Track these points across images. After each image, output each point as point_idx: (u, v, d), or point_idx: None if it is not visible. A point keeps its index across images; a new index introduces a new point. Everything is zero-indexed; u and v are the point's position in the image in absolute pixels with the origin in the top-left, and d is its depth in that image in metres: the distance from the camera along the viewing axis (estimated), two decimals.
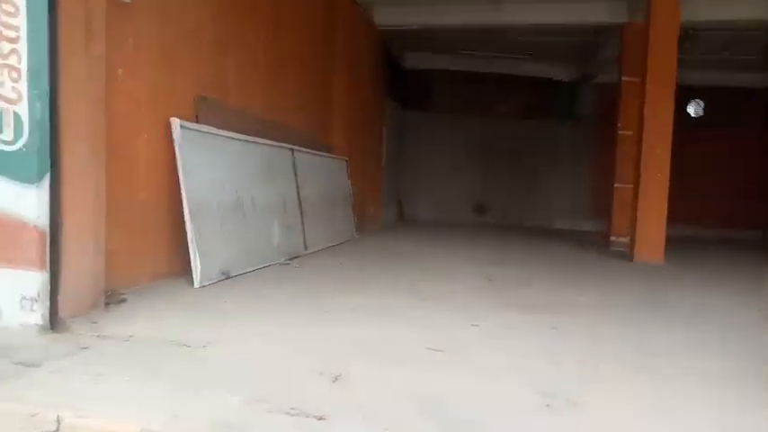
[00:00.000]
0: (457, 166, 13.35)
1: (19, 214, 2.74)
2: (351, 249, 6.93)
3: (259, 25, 5.71)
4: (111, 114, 3.54)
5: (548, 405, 2.25)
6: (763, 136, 12.96)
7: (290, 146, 6.21)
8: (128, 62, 3.80)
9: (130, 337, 2.74)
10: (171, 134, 4.12)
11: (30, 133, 2.76)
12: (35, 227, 2.75)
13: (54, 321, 2.77)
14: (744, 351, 3.20)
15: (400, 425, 1.98)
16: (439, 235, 9.69)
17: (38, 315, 2.72)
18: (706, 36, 9.41)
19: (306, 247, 6.17)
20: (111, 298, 3.29)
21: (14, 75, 2.77)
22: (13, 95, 2.77)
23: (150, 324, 2.99)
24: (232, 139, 4.90)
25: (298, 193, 6.22)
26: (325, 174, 7.31)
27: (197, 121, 4.56)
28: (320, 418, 1.98)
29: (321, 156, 7.29)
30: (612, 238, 9.06)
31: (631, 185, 8.22)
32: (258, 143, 5.40)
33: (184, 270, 4.11)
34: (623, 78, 9.02)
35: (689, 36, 8.70)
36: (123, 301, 3.35)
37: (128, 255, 3.77)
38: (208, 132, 4.55)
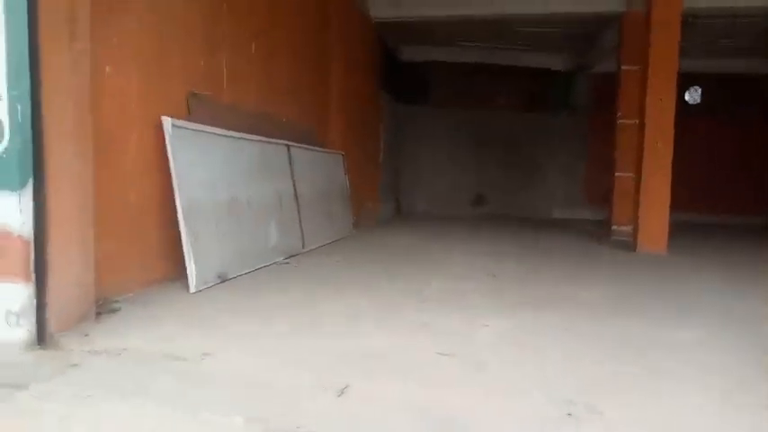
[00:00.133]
0: (454, 158, 13.22)
1: (1, 223, 2.58)
2: (349, 246, 6.78)
3: (252, 18, 5.52)
4: (98, 114, 3.37)
5: (569, 414, 2.12)
6: (763, 122, 12.88)
7: (286, 141, 6.04)
8: (115, 59, 3.62)
9: (123, 350, 2.59)
10: (162, 133, 3.95)
11: (10, 137, 2.59)
12: (19, 236, 2.58)
13: (42, 336, 2.61)
14: None
15: None
16: (437, 229, 9.55)
17: (24, 330, 2.56)
18: (704, 23, 9.28)
19: (303, 245, 6.02)
20: (103, 307, 3.14)
21: None
22: None
23: (144, 335, 2.84)
24: (226, 136, 4.74)
25: (294, 190, 6.06)
26: (321, 169, 7.15)
27: (189, 119, 4.40)
28: None
29: (317, 151, 7.13)
30: (614, 228, 8.97)
31: (632, 174, 8.14)
32: (253, 140, 5.24)
33: (179, 274, 3.96)
34: (623, 67, 8.88)
35: (688, 23, 8.59)
36: (116, 310, 3.20)
37: (119, 261, 3.62)
38: (200, 130, 4.38)
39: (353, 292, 4.19)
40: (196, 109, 4.54)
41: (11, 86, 2.60)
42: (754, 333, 3.45)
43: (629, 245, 7.66)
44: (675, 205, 7.30)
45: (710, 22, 9.34)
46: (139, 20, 3.86)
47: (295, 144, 6.27)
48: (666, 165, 7.13)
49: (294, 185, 6.07)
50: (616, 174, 8.98)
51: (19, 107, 2.61)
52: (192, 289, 3.80)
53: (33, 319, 2.59)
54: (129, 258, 3.75)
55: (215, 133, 4.57)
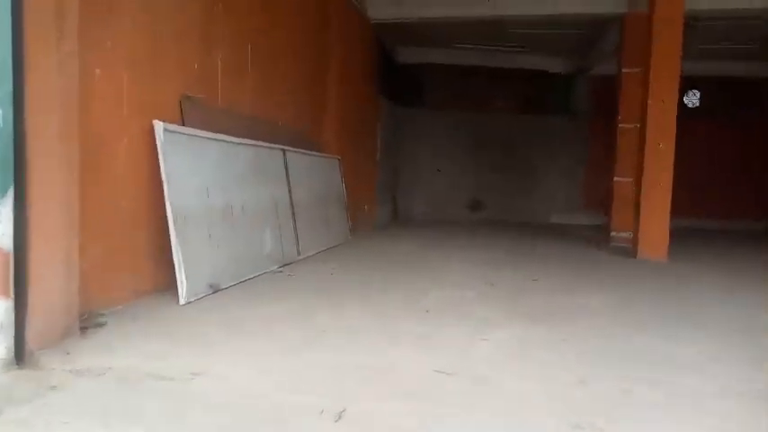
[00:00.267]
0: (452, 162, 13.10)
1: None
2: (345, 253, 6.65)
3: (248, 19, 5.38)
4: (87, 118, 3.25)
5: None
6: (763, 126, 12.81)
7: (282, 146, 5.91)
8: (106, 61, 3.49)
9: (107, 369, 2.45)
10: (154, 137, 3.81)
11: None
12: None
13: (20, 355, 2.47)
14: None
15: None
16: (435, 234, 9.43)
17: (1, 348, 2.42)
18: (704, 26, 9.20)
19: (299, 253, 5.88)
20: (88, 322, 3.00)
21: None
22: None
23: (130, 352, 2.69)
24: (220, 140, 4.60)
25: (290, 196, 5.93)
26: (317, 174, 7.02)
27: (182, 123, 4.26)
28: None
29: (313, 155, 6.99)
30: (613, 234, 8.87)
31: (631, 179, 8.05)
32: (248, 144, 5.10)
33: (170, 284, 3.81)
34: (623, 70, 8.78)
35: (688, 26, 8.50)
36: (102, 324, 3.06)
37: (107, 272, 3.48)
38: (194, 135, 4.24)
39: (350, 302, 4.06)
40: (189, 112, 4.40)
41: None
42: (761, 346, 3.34)
43: (629, 251, 7.56)
44: (675, 210, 7.20)
45: (711, 24, 9.26)
46: (131, 20, 3.72)
47: (291, 148, 6.14)
48: (668, 168, 7.03)
49: (290, 191, 5.93)
50: (615, 178, 8.89)
51: (0, 111, 2.47)
52: (183, 301, 3.66)
53: (11, 337, 2.44)
54: (117, 269, 3.61)
55: (208, 137, 4.43)
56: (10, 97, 2.51)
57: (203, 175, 4.28)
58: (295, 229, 5.91)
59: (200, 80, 4.62)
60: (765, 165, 12.80)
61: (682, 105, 12.22)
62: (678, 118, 7.09)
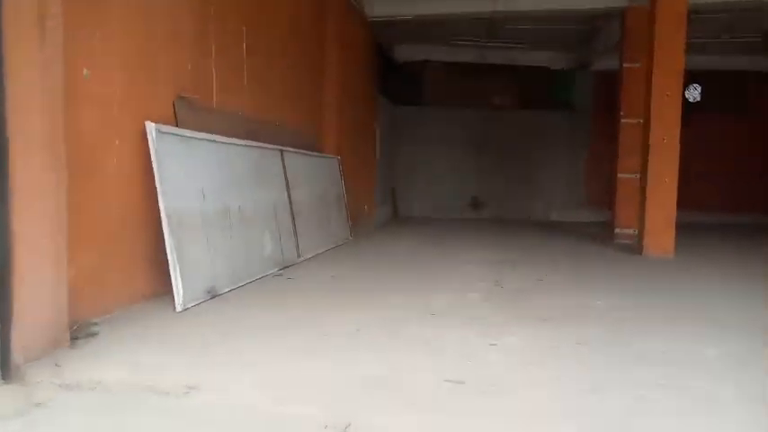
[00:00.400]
0: (451, 160, 12.97)
1: None
2: (346, 254, 6.52)
3: (243, 17, 5.25)
4: (75, 120, 3.12)
5: None
6: (765, 119, 12.69)
7: (280, 147, 5.78)
8: (95, 60, 3.36)
9: (98, 383, 2.32)
10: (146, 140, 3.69)
11: None
12: None
13: (5, 369, 2.33)
14: None
15: None
16: (436, 233, 9.30)
17: None
18: (705, 19, 9.07)
19: (299, 255, 5.75)
20: (79, 332, 2.87)
21: None
22: None
23: (123, 364, 2.56)
24: (215, 141, 4.47)
25: (289, 197, 5.80)
26: (317, 174, 6.89)
27: (176, 124, 4.13)
28: None
29: (312, 155, 6.86)
30: (617, 230, 8.76)
31: (635, 175, 7.94)
32: (244, 145, 4.97)
33: (166, 290, 3.68)
34: (625, 65, 8.67)
35: (690, 19, 8.38)
36: (94, 334, 2.93)
37: (100, 279, 3.35)
38: (188, 136, 4.11)
39: (353, 306, 3.93)
40: (183, 113, 4.27)
41: None
42: None
43: (634, 248, 7.44)
44: (679, 205, 7.07)
45: (714, 16, 9.13)
46: (121, 18, 3.59)
47: (289, 149, 6.01)
48: (674, 162, 6.91)
49: (288, 192, 5.81)
50: (619, 175, 8.77)
51: None
52: (179, 307, 3.53)
53: None
54: (110, 275, 3.48)
55: (204, 139, 4.30)
56: None
57: (199, 178, 4.15)
58: (294, 230, 5.78)
59: (195, 81, 4.48)
60: None
61: (683, 99, 12.17)
62: (681, 112, 6.98)
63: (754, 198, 12.66)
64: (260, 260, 4.89)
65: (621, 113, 8.69)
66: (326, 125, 7.70)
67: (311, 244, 6.15)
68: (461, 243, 8.06)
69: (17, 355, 2.39)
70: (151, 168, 3.67)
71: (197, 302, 3.73)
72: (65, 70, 2.85)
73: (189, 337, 3.04)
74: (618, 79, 8.89)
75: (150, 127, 3.68)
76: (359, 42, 9.11)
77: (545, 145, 13.04)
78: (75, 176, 3.11)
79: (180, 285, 3.58)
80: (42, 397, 2.17)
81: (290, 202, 5.81)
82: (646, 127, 7.16)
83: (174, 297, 3.56)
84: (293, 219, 5.80)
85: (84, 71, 3.28)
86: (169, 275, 3.61)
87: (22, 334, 2.43)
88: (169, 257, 3.59)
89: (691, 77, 11.89)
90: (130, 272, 3.69)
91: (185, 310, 3.56)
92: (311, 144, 7.05)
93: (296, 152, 6.21)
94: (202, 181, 4.18)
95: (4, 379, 2.31)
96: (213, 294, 3.93)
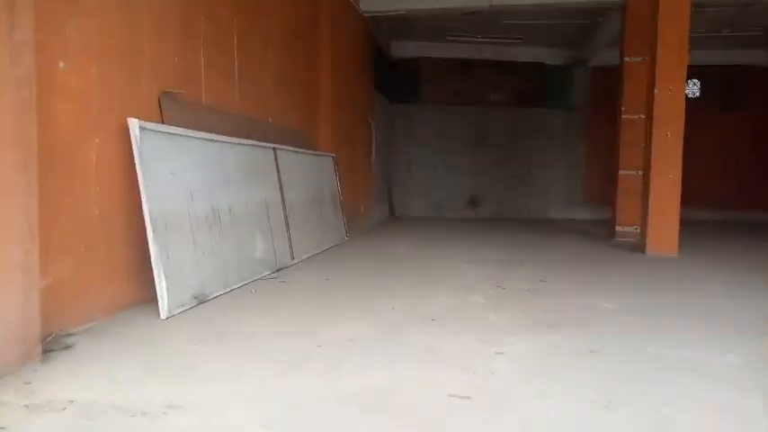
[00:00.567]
0: (449, 157, 12.78)
1: None
2: (342, 255, 6.32)
3: (234, 9, 5.04)
4: (50, 117, 2.92)
5: None
6: (766, 114, 12.56)
7: (272, 144, 5.57)
8: (71, 52, 3.14)
9: (69, 403, 2.11)
10: (129, 138, 3.47)
11: None
12: None
13: None
14: None
15: None
16: (433, 232, 9.11)
17: None
18: (707, 13, 8.92)
19: (293, 256, 5.55)
20: (54, 344, 2.66)
21: None
22: None
23: (99, 381, 2.35)
24: (204, 139, 4.26)
25: (282, 197, 5.59)
26: (311, 173, 6.68)
27: (162, 121, 3.92)
28: None
29: (306, 153, 6.66)
30: (618, 228, 8.59)
31: (636, 172, 7.79)
32: (235, 143, 4.77)
33: (152, 296, 3.47)
34: (625, 59, 8.49)
35: (692, 13, 8.23)
36: (69, 346, 2.72)
37: (79, 286, 3.14)
38: (174, 133, 3.90)
39: (348, 311, 3.73)
40: (169, 110, 4.06)
41: None
42: None
43: (637, 246, 7.28)
44: (682, 202, 6.90)
45: (716, 10, 8.98)
46: (101, 7, 3.38)
47: (282, 147, 5.80)
48: (677, 158, 6.75)
49: (281, 191, 5.60)
50: (620, 172, 8.60)
51: None
52: (164, 314, 3.32)
53: None
54: (90, 282, 3.27)
55: (191, 136, 4.09)
56: None
57: (186, 177, 3.94)
58: (288, 231, 5.57)
59: (182, 75, 4.27)
60: None
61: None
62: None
63: (762, 196, 12.51)
64: (251, 263, 4.68)
65: (622, 109, 8.52)
66: (321, 122, 7.49)
67: (306, 245, 5.95)
68: (460, 242, 7.86)
69: None
70: (134, 167, 3.46)
71: (184, 309, 3.52)
72: (37, 61, 2.64)
73: (172, 348, 2.83)
74: (618, 74, 8.72)
75: (133, 123, 3.47)
76: (354, 38, 8.90)
77: (543, 142, 12.88)
78: (51, 176, 2.91)
79: (165, 291, 3.38)
80: (6, 420, 1.96)
81: (284, 202, 5.60)
82: (648, 122, 7.00)
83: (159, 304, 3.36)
84: (287, 219, 5.60)
85: (60, 63, 3.07)
86: (153, 281, 3.40)
87: None
88: (153, 263, 3.38)
89: (691, 73, 11.75)
90: (113, 278, 3.48)
91: (171, 317, 3.36)
92: (305, 141, 6.85)
93: (289, 150, 6.00)
94: (190, 180, 3.98)
95: None
96: (201, 300, 3.73)
